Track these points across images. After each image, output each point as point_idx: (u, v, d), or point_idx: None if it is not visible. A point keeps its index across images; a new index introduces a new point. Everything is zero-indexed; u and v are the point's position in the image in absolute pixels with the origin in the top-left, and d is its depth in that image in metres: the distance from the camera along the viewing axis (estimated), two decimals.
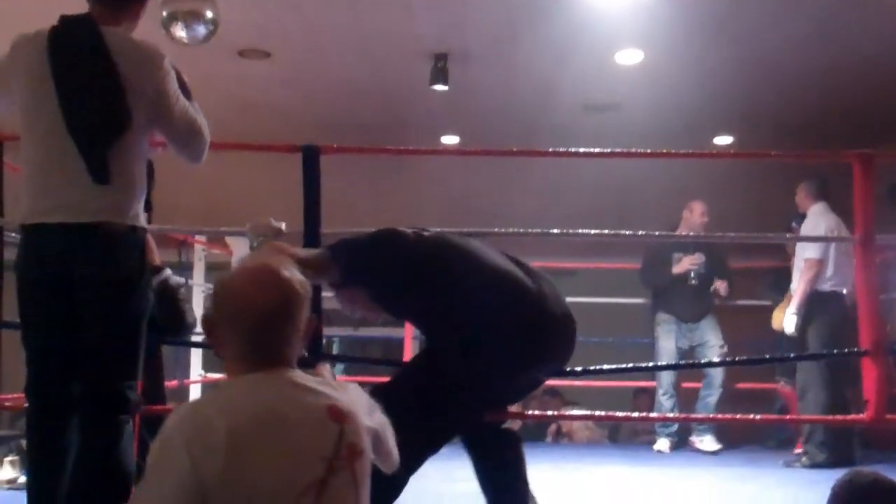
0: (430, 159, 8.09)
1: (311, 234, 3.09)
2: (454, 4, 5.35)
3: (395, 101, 6.85)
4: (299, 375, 1.70)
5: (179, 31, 4.75)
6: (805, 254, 5.65)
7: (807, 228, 5.67)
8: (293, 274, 1.73)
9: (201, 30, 4.77)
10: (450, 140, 8.36)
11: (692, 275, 6.28)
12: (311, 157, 3.05)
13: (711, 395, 6.13)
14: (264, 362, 1.68)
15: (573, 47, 5.83)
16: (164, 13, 4.68)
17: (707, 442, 6.11)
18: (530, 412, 8.55)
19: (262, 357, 1.68)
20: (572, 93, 6.64)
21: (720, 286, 6.35)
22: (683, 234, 6.31)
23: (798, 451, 5.73)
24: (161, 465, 1.58)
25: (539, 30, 5.60)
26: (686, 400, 6.56)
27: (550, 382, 8.55)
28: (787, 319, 5.64)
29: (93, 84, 2.64)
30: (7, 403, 3.02)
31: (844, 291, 5.61)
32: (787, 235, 6.12)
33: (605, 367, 3.83)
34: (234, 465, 1.55)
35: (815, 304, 5.57)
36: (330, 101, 6.78)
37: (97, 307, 2.62)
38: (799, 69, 6.09)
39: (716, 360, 6.08)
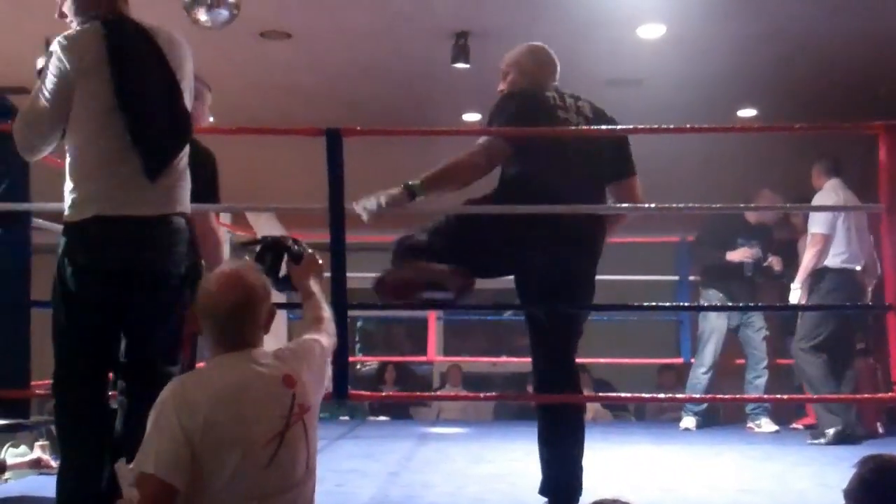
0: (453, 137, 8.07)
1: (336, 216, 3.08)
2: None
3: (417, 80, 6.82)
4: (261, 354, 2.25)
5: (202, 15, 4.75)
6: (811, 228, 5.64)
7: (818, 203, 5.70)
8: (256, 277, 2.29)
9: (224, 13, 4.77)
10: (471, 118, 8.32)
11: (746, 266, 6.26)
12: (334, 140, 3.04)
13: (760, 377, 6.10)
14: (233, 346, 2.22)
15: (595, 22, 5.78)
16: None
17: (765, 424, 6.07)
18: None
19: (231, 342, 2.22)
20: (594, 68, 6.58)
21: (774, 261, 6.31)
22: (684, 206, 6.17)
23: (798, 425, 5.92)
24: (157, 425, 2.10)
25: (560, 5, 5.56)
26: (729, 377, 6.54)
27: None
28: (791, 294, 5.68)
29: (155, 90, 2.69)
30: (39, 391, 3.06)
31: (857, 268, 5.60)
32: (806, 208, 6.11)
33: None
34: (211, 423, 2.09)
35: (822, 279, 5.59)
36: (351, 81, 6.76)
37: (155, 295, 2.70)
38: (829, 39, 6.00)
39: (759, 341, 6.11)
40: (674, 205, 3.68)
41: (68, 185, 2.68)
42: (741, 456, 5.05)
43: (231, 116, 4.71)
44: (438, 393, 9.24)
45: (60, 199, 2.73)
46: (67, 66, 2.60)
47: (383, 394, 3.17)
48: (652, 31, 5.93)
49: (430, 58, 6.27)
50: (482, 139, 3.26)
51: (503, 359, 9.73)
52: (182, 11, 4.67)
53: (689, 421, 6.20)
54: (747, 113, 7.62)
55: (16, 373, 3.01)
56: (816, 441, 5.42)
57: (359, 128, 3.48)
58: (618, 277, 7.23)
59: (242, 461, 2.09)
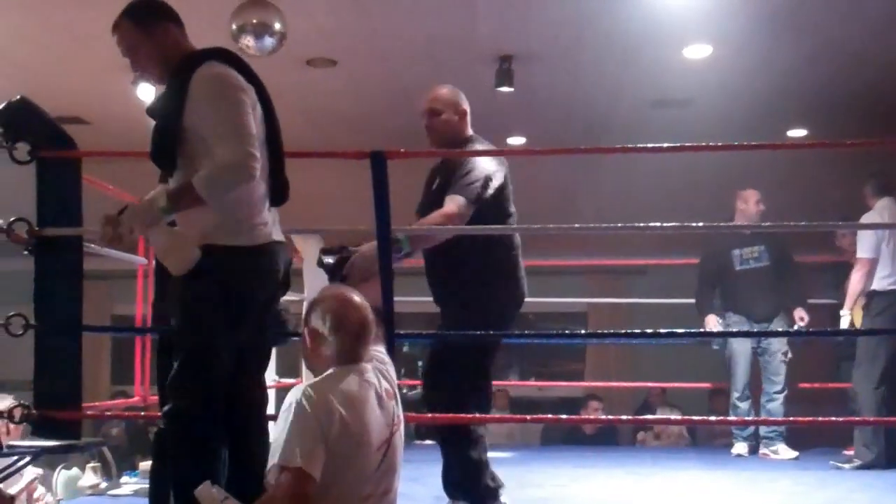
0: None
1: (383, 237, 3.10)
2: (518, 5, 5.33)
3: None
4: (368, 367, 2.56)
5: (249, 43, 4.81)
6: (858, 252, 5.55)
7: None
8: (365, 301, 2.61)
9: (269, 41, 4.83)
10: (516, 141, 8.34)
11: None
12: (379, 163, 3.07)
13: (773, 401, 5.91)
14: (351, 360, 2.52)
15: (640, 43, 5.76)
16: (234, 26, 4.76)
17: (782, 451, 5.89)
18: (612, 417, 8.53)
19: (350, 356, 2.53)
20: (640, 89, 6.57)
21: (798, 316, 6.07)
22: (745, 224, 6.09)
23: (848, 452, 5.63)
24: (298, 424, 2.33)
25: (605, 27, 5.55)
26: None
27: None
28: (841, 320, 5.59)
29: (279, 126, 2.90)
30: (90, 412, 3.10)
31: None
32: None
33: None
34: (345, 424, 2.36)
35: (871, 302, 5.47)
36: (396, 106, 6.80)
37: (270, 317, 2.91)
38: (880, 57, 5.91)
39: (776, 365, 5.94)
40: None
41: (233, 211, 2.68)
42: (794, 483, 4.95)
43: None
44: (482, 416, 9.16)
45: None
46: (244, 88, 2.69)
47: (429, 415, 3.19)
48: (698, 52, 5.90)
49: (474, 82, 6.25)
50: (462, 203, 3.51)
51: (550, 383, 9.66)
52: (230, 40, 4.74)
53: (741, 447, 6.05)
54: (798, 133, 7.54)
55: (67, 394, 3.04)
56: (841, 465, 5.35)
57: (403, 150, 3.48)
58: (663, 301, 7.19)
59: (363, 462, 2.37)
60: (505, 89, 6.10)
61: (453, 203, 3.47)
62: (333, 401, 2.37)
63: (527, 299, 7.77)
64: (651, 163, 7.16)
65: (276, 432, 2.39)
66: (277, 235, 2.79)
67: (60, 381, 3.03)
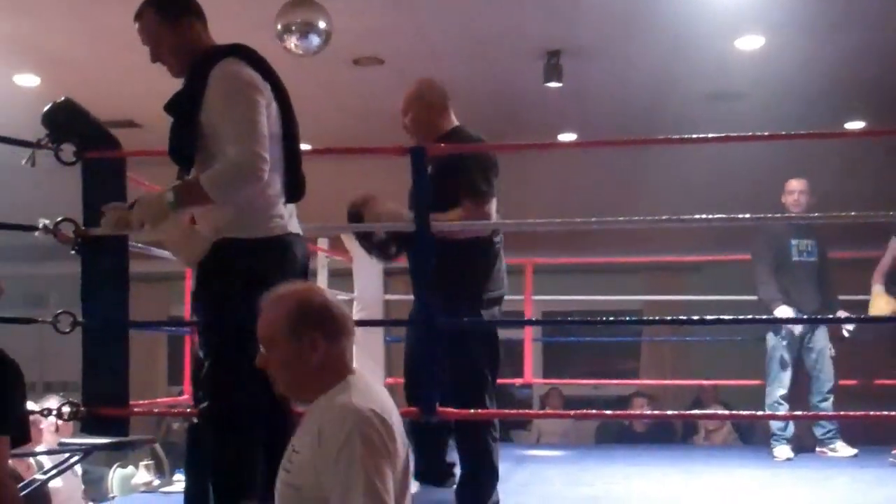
0: (547, 157, 8.05)
1: (422, 234, 3.07)
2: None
3: (510, 101, 6.81)
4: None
5: (294, 42, 4.83)
6: None
7: None
8: None
9: (315, 40, 4.84)
10: (567, 138, 8.28)
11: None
12: (418, 158, 3.04)
13: (826, 401, 5.73)
14: (350, 366, 2.10)
15: (691, 36, 5.68)
16: (279, 25, 4.78)
17: (840, 448, 5.71)
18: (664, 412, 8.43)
19: (350, 362, 2.10)
20: (693, 83, 6.48)
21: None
22: (802, 215, 5.88)
23: None
24: (372, 459, 1.89)
25: (654, 19, 5.48)
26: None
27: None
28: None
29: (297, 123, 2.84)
30: (136, 409, 3.13)
31: None
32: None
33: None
34: (401, 447, 1.99)
35: None
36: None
37: None
38: None
39: (829, 364, 5.76)
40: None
41: (248, 204, 2.67)
42: (853, 480, 4.84)
43: (326, 142, 4.81)
44: (531, 412, 9.10)
45: None
46: (259, 87, 2.67)
47: (471, 411, 3.12)
48: (751, 43, 5.80)
49: (523, 77, 6.26)
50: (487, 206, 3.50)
51: (605, 381, 9.57)
52: (274, 40, 4.76)
53: (784, 450, 5.78)
54: (855, 125, 7.37)
55: (115, 392, 3.08)
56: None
57: (442, 145, 3.45)
58: (718, 298, 7.07)
59: (400, 473, 2.01)
60: (554, 84, 6.06)
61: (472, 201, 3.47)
62: (386, 410, 1.98)
63: (581, 297, 7.76)
64: (706, 159, 7.06)
65: (325, 471, 1.90)
66: (294, 228, 2.79)
67: (108, 379, 3.06)
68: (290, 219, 2.78)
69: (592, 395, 10.33)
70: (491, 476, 3.47)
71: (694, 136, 3.41)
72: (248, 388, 2.63)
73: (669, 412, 7.11)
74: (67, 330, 3.04)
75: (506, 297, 3.84)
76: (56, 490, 4.60)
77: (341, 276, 6.40)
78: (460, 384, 3.38)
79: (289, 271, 2.70)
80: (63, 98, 3.13)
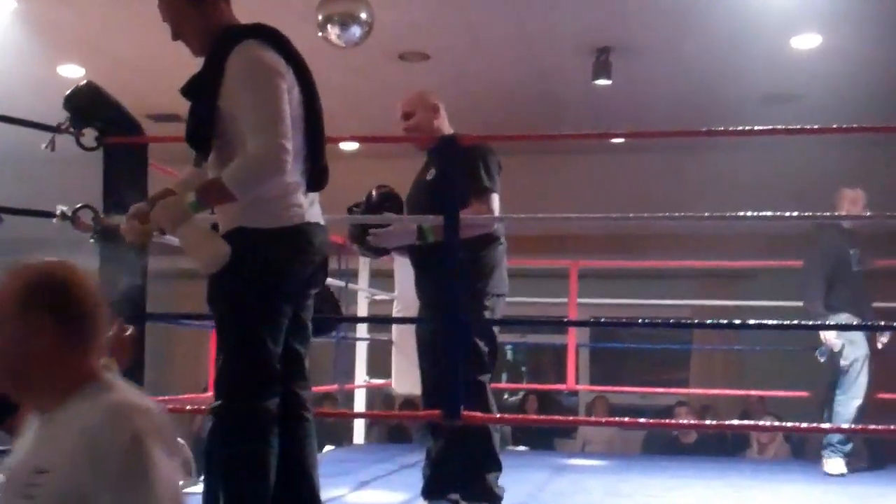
0: (595, 157, 7.90)
1: (451, 227, 2.94)
2: None
3: (557, 98, 6.67)
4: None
5: (335, 34, 4.74)
6: None
7: None
8: None
9: (356, 31, 4.75)
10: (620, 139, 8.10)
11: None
12: (449, 149, 2.89)
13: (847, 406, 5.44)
14: (99, 371, 1.59)
15: (744, 34, 5.51)
16: (320, 16, 4.69)
17: (832, 465, 5.43)
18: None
19: (99, 367, 1.60)
20: (748, 84, 6.28)
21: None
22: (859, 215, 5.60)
23: None
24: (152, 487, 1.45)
25: (706, 16, 5.31)
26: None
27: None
28: None
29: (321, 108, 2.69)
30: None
31: None
32: None
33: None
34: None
35: None
36: (491, 100, 6.67)
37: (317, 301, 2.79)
38: None
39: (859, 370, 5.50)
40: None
41: (265, 193, 2.54)
42: None
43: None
44: (569, 418, 8.87)
45: None
46: (282, 71, 2.54)
47: (497, 416, 2.96)
48: (807, 42, 5.59)
49: (571, 75, 6.11)
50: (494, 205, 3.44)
51: (652, 389, 9.33)
52: (315, 33, 4.67)
53: (837, 464, 5.49)
54: None
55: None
56: None
57: (474, 135, 3.34)
58: (772, 303, 6.84)
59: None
60: (602, 82, 5.90)
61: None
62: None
63: (625, 300, 7.57)
64: (757, 163, 6.87)
65: (100, 485, 1.45)
66: (314, 218, 2.63)
67: (124, 374, 2.96)
68: (310, 207, 2.63)
69: (640, 405, 10.11)
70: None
71: (740, 128, 3.19)
72: (264, 389, 2.53)
73: (709, 421, 6.85)
74: None
75: (551, 301, 3.74)
76: None
77: (382, 277, 6.30)
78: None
79: (307, 262, 2.59)
80: (85, 81, 3.05)
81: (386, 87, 6.45)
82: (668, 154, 8.21)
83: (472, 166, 3.41)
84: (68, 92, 3.03)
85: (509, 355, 11.49)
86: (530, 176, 7.82)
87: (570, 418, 6.57)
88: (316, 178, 2.65)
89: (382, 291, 6.23)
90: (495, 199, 3.42)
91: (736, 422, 5.73)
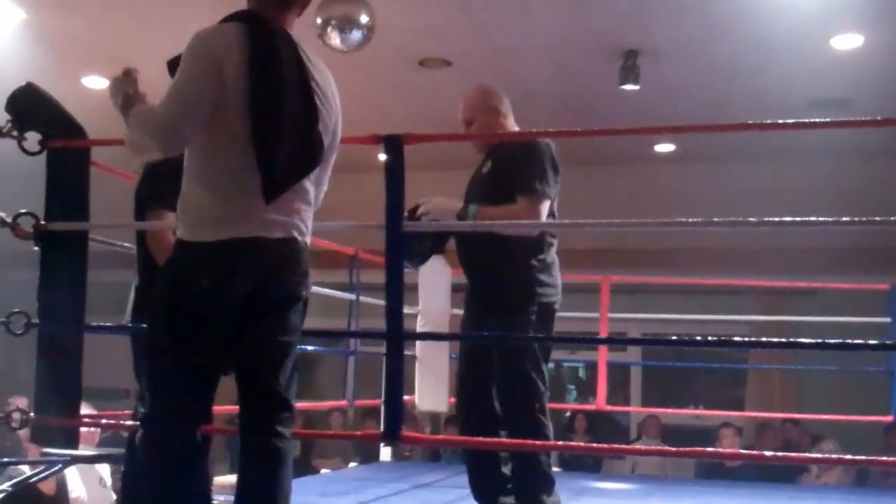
0: (643, 166, 7.66)
1: (394, 234, 2.71)
2: None
3: (583, 104, 6.41)
4: None
5: (335, 38, 4.58)
6: None
7: None
8: None
9: (356, 34, 4.58)
10: (664, 148, 7.80)
11: None
12: (394, 148, 2.68)
13: None
14: None
15: (780, 35, 5.21)
16: (318, 20, 4.54)
17: None
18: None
19: None
20: (792, 89, 5.95)
21: None
22: None
23: None
24: None
25: (738, 17, 5.02)
26: None
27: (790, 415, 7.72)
28: None
29: (296, 107, 2.40)
30: (85, 420, 2.91)
31: None
32: None
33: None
34: None
35: None
36: (515, 106, 6.40)
37: (282, 323, 2.47)
38: None
39: None
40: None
41: (193, 197, 2.39)
42: None
43: None
44: (555, 442, 8.25)
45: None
46: (216, 53, 2.34)
47: (428, 436, 2.67)
48: (848, 42, 5.24)
49: (597, 80, 5.85)
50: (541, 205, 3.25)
51: (705, 411, 8.97)
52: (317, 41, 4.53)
53: None
54: None
55: (65, 400, 2.85)
56: None
57: (421, 134, 3.09)
58: (833, 319, 6.46)
59: None
60: (630, 87, 5.64)
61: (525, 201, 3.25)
62: None
63: (681, 316, 7.23)
64: (812, 170, 6.51)
65: None
66: (257, 231, 2.36)
67: (60, 386, 2.84)
68: (250, 220, 2.36)
69: (695, 425, 9.74)
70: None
71: (767, 122, 2.88)
72: (174, 410, 2.36)
73: (743, 450, 6.49)
74: (20, 332, 2.83)
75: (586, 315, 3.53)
76: (77, 501, 4.46)
77: (406, 290, 6.13)
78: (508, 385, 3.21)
79: (236, 278, 2.35)
80: (25, 82, 2.93)
81: (408, 94, 6.30)
82: (714, 165, 7.88)
83: (524, 165, 3.24)
84: (10, 94, 2.92)
85: (564, 371, 11.23)
86: (569, 188, 7.57)
87: (562, 444, 6.28)
88: (267, 188, 2.36)
89: (406, 305, 6.05)
90: (544, 205, 3.22)
91: (772, 453, 5.33)
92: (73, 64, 5.91)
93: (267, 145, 2.35)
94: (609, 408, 6.55)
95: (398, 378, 2.61)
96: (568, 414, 9.28)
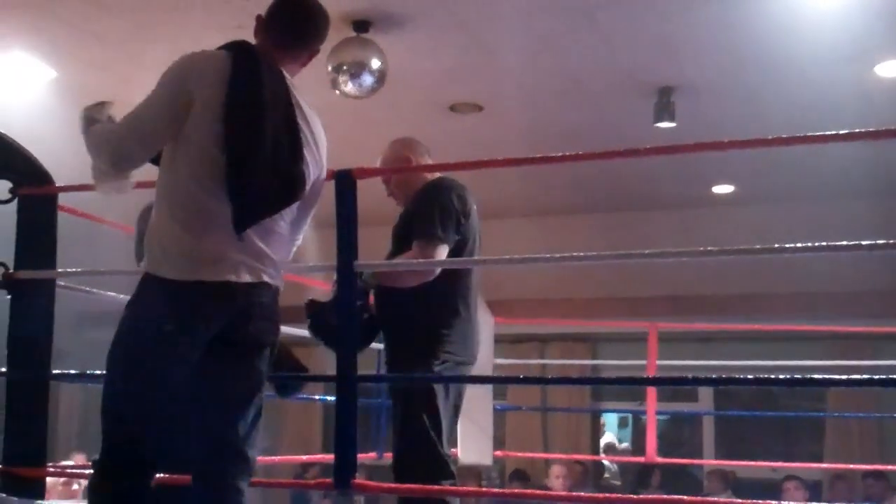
0: (701, 211, 7.47)
1: (345, 273, 2.58)
2: (675, 31, 4.71)
3: (617, 142, 6.19)
4: None
5: (347, 85, 4.55)
6: None
7: None
8: None
9: (368, 80, 4.54)
10: (723, 189, 7.55)
11: None
12: (344, 184, 2.57)
13: None
14: None
15: (819, 65, 4.98)
16: (329, 67, 4.51)
17: None
18: None
19: None
20: (834, 121, 5.58)
21: None
22: None
23: None
24: None
25: (773, 50, 4.83)
26: None
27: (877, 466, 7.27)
28: None
29: (279, 140, 2.33)
30: (52, 469, 2.85)
31: None
32: None
33: None
34: None
35: None
36: (548, 148, 6.22)
37: (245, 371, 2.39)
38: None
39: None
40: None
41: (159, 226, 2.32)
42: None
43: None
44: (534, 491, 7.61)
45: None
46: (186, 78, 2.31)
47: (384, 485, 2.47)
48: (893, 69, 4.98)
49: (632, 118, 5.68)
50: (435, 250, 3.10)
51: (783, 464, 8.51)
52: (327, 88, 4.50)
53: None
54: None
55: (33, 449, 2.81)
56: None
57: (370, 168, 3.03)
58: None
59: None
60: (665, 125, 5.45)
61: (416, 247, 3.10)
62: None
63: (752, 362, 6.92)
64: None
65: None
66: (225, 275, 2.26)
67: (28, 436, 2.80)
68: (217, 259, 2.27)
69: (772, 478, 9.30)
70: None
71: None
72: (124, 448, 2.28)
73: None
74: None
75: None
76: None
77: None
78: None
79: (187, 328, 2.27)
80: None
81: (438, 139, 6.19)
82: (779, 205, 7.60)
83: (420, 210, 3.13)
84: None
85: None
86: (619, 233, 7.41)
87: (529, 491, 6.05)
88: (238, 217, 2.27)
89: None
90: (440, 249, 3.07)
91: None
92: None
93: (240, 173, 2.26)
94: (660, 460, 6.26)
95: (351, 422, 2.47)
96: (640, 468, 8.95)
